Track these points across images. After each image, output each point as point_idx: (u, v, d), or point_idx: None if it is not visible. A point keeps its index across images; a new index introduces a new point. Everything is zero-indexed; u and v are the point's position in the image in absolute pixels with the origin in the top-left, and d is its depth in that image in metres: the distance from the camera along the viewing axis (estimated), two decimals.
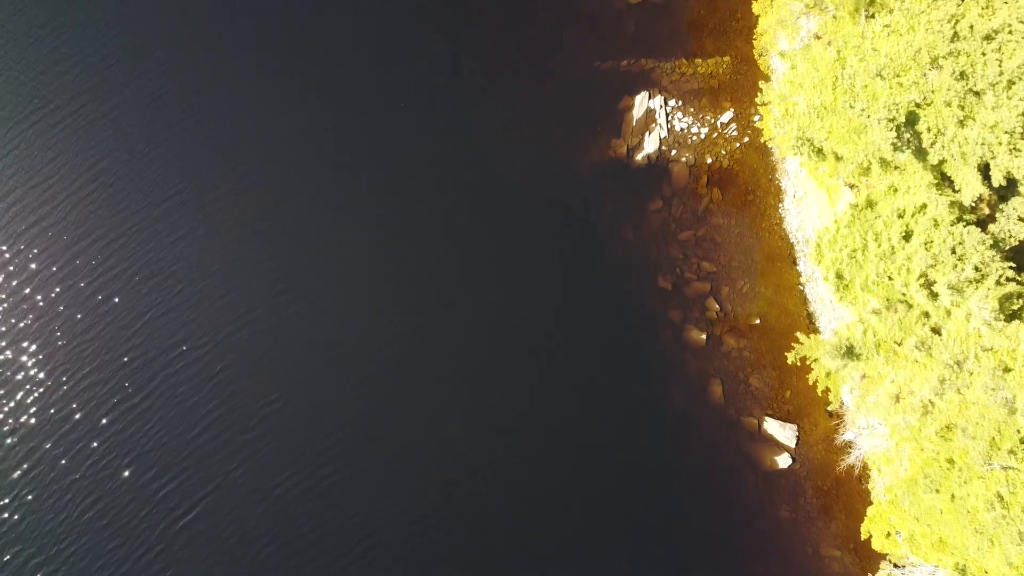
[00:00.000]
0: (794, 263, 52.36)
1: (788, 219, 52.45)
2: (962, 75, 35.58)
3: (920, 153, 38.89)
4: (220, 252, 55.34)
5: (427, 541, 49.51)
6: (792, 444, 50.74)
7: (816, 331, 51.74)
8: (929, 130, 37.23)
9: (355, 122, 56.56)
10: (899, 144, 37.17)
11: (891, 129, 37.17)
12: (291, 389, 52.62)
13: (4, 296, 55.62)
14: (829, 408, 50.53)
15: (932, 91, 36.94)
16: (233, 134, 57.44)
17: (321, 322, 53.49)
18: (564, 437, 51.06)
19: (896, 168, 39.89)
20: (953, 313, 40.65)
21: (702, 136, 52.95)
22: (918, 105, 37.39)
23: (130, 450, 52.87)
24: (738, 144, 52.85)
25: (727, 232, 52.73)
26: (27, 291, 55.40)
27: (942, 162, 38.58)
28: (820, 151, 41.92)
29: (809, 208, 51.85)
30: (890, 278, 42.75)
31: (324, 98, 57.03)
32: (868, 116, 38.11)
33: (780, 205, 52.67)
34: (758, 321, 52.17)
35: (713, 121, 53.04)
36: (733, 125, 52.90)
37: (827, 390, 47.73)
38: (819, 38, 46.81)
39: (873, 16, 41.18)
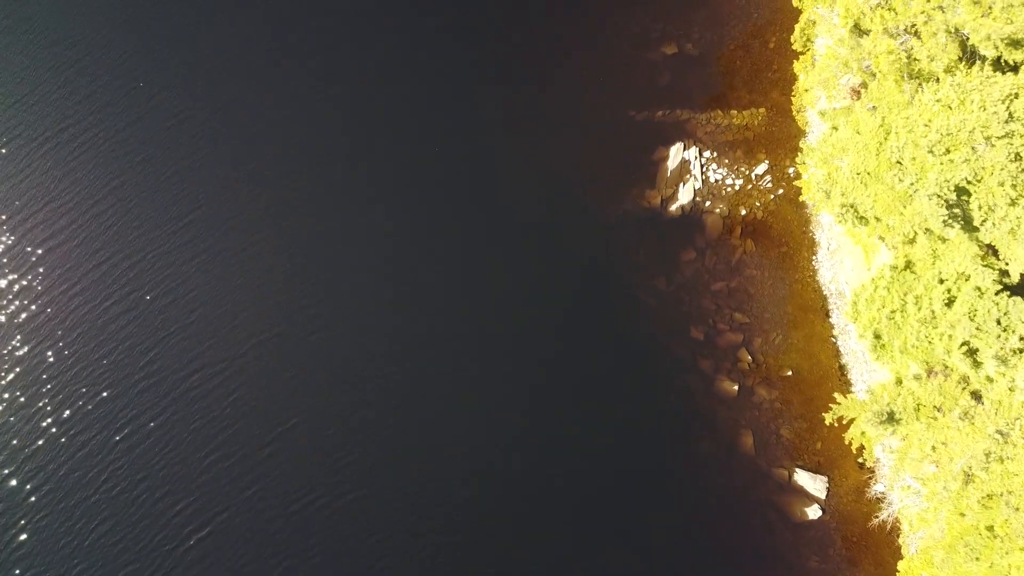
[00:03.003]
0: (827, 315, 52.53)
1: (821, 271, 52.61)
2: (1017, 156, 35.68)
3: (968, 226, 39.00)
4: (236, 273, 55.49)
5: (447, 561, 49.38)
6: (822, 495, 50.95)
7: (848, 383, 51.97)
8: (980, 208, 37.33)
9: (386, 159, 56.54)
10: (949, 221, 37.27)
11: (941, 206, 37.26)
12: (306, 410, 52.70)
13: (19, 316, 55.66)
14: (860, 460, 50.79)
15: (983, 168, 37.03)
16: (252, 155, 57.64)
17: (338, 345, 53.65)
18: (594, 486, 51.20)
19: (942, 239, 39.99)
20: (996, 381, 40.83)
21: (736, 187, 53.01)
22: (968, 182, 37.47)
23: (143, 471, 52.92)
24: (772, 196, 52.94)
25: (760, 283, 52.84)
26: (42, 312, 55.53)
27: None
28: (863, 218, 41.98)
29: (843, 261, 51.98)
30: (930, 343, 42.89)
31: (353, 128, 56.95)
32: (917, 191, 38.19)
33: (814, 257, 52.81)
34: (790, 373, 52.33)
35: (748, 173, 53.09)
36: (768, 177, 52.98)
37: (861, 447, 47.95)
38: (858, 94, 46.86)
39: (919, 83, 41.20)
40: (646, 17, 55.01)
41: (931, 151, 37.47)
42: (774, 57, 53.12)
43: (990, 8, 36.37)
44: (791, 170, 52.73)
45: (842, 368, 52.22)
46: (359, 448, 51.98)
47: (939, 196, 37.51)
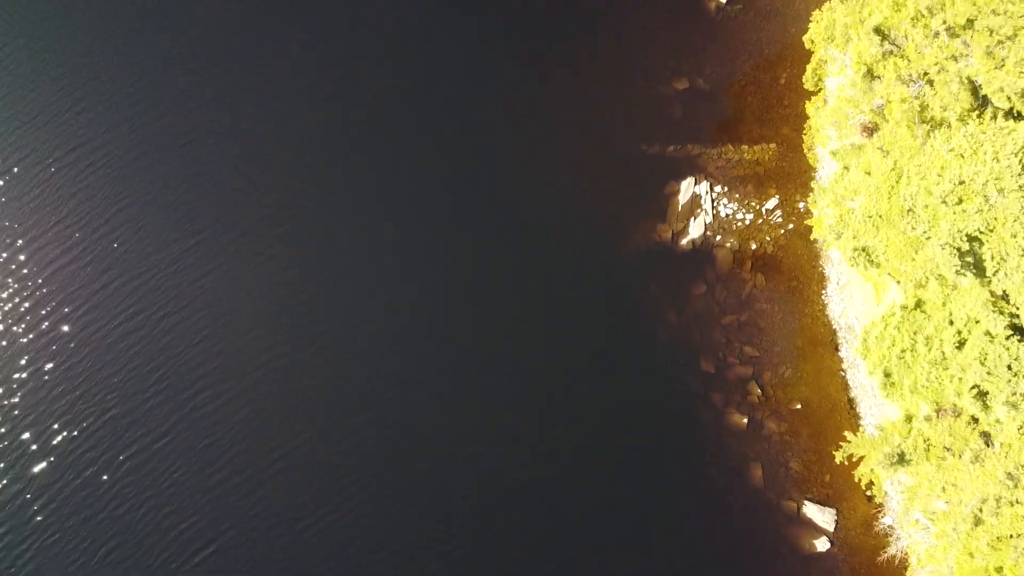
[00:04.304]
0: (836, 349, 52.93)
1: (831, 306, 53.01)
2: None
3: (980, 272, 39.40)
4: (244, 292, 55.82)
5: None
6: (831, 528, 51.38)
7: (857, 416, 52.42)
8: (992, 258, 37.72)
9: (398, 191, 56.74)
10: (961, 270, 37.68)
11: (954, 255, 37.67)
12: (313, 428, 53.13)
13: (29, 335, 55.96)
14: (869, 494, 51.19)
15: (995, 219, 37.43)
16: (261, 175, 57.82)
17: (346, 364, 54.05)
18: (603, 518, 51.61)
19: (954, 285, 40.40)
20: (1006, 424, 41.25)
21: (747, 222, 53.40)
22: (980, 232, 37.87)
23: (150, 489, 53.29)
24: (782, 230, 53.32)
25: (770, 317, 53.24)
26: (51, 331, 55.82)
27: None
28: (876, 263, 42.37)
29: (852, 296, 52.38)
30: (940, 384, 43.31)
31: (367, 157, 57.26)
32: (929, 238, 38.59)
33: (823, 291, 53.20)
34: (799, 406, 52.75)
35: (758, 207, 53.48)
36: (778, 212, 53.37)
37: (870, 482, 48.39)
38: (869, 132, 47.20)
39: (930, 128, 41.57)
40: (659, 52, 55.33)
41: (944, 201, 37.87)
42: (785, 93, 53.45)
43: (1003, 61, 36.75)
44: (801, 205, 53.14)
45: (851, 401, 52.63)
46: (366, 466, 52.50)
47: (951, 246, 37.91)
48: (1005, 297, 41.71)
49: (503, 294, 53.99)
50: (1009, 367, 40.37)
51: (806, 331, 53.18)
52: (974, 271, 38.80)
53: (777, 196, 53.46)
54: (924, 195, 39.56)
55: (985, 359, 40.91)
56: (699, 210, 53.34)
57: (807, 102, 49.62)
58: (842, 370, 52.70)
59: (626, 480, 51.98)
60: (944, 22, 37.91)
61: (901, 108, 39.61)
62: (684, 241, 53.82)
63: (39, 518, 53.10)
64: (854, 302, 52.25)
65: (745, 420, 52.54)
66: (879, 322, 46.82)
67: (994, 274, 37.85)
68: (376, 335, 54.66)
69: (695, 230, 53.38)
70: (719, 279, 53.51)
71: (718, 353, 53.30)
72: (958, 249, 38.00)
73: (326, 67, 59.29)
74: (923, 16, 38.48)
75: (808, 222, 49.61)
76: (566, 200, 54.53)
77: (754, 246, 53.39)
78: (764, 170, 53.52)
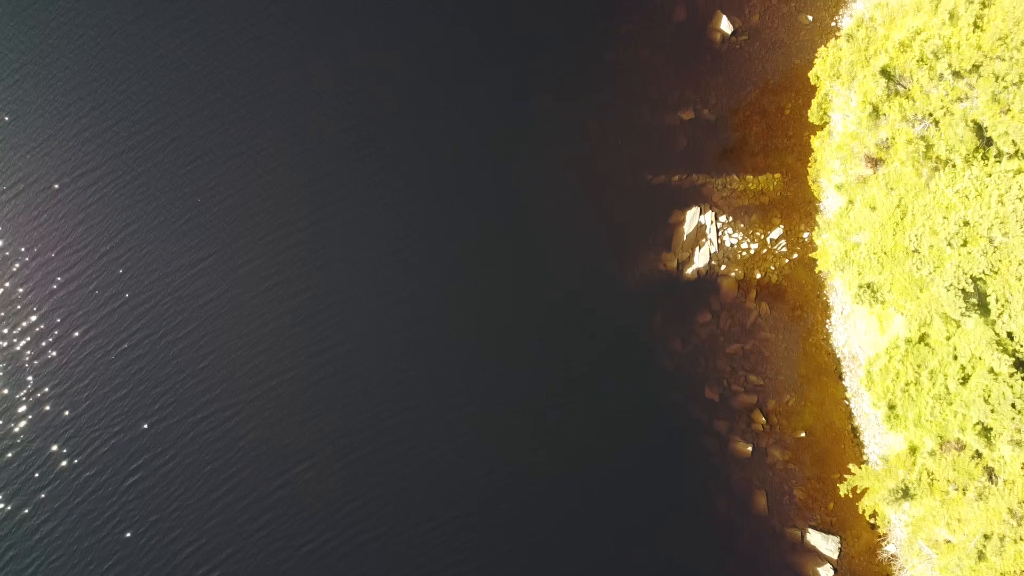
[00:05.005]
0: (840, 378, 53.25)
1: (835, 335, 53.33)
2: None
3: (984, 312, 39.73)
4: (248, 316, 56.10)
5: None
6: (835, 555, 51.74)
7: (860, 444, 52.74)
8: (997, 300, 38.05)
9: (406, 212, 56.98)
10: (967, 312, 38.01)
11: (959, 297, 37.99)
12: (318, 451, 53.52)
13: (34, 359, 56.27)
14: (872, 522, 51.56)
15: (1000, 261, 37.75)
16: (266, 200, 58.02)
17: (350, 387, 54.40)
18: (608, 544, 51.98)
19: (957, 324, 40.74)
20: (1010, 462, 41.59)
21: (752, 252, 53.71)
22: (985, 273, 38.20)
23: (155, 512, 53.79)
24: (787, 260, 53.64)
25: (775, 346, 53.57)
26: (57, 354, 56.14)
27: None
28: (881, 300, 42.67)
29: (856, 325, 52.70)
30: (944, 419, 43.64)
31: (374, 177, 57.47)
32: (934, 279, 38.92)
33: (827, 321, 53.53)
34: (803, 434, 53.08)
35: (763, 237, 53.79)
36: (783, 241, 53.68)
37: (875, 514, 48.74)
38: (874, 163, 47.46)
39: (935, 167, 41.86)
40: (665, 83, 55.55)
41: (949, 243, 38.19)
42: (790, 123, 53.73)
43: (1009, 106, 37.04)
44: (806, 235, 53.45)
45: (855, 430, 52.96)
46: (371, 489, 52.88)
47: (956, 287, 38.23)
48: (1010, 336, 42.02)
49: (508, 324, 54.31)
50: (1013, 405, 40.69)
51: (810, 360, 53.50)
52: (979, 311, 39.12)
53: (782, 226, 53.76)
54: (929, 235, 39.88)
55: (989, 397, 41.24)
56: (704, 239, 53.65)
57: (813, 136, 49.90)
58: (846, 398, 53.03)
59: (630, 506, 52.39)
60: (950, 66, 38.21)
61: (906, 149, 39.93)
62: (689, 270, 54.14)
63: (45, 541, 53.56)
64: (858, 331, 52.58)
65: (749, 448, 52.89)
66: (883, 354, 47.16)
67: (999, 316, 38.16)
68: (382, 361, 55.04)
69: (700, 259, 53.69)
70: (724, 308, 53.84)
71: (723, 381, 53.64)
72: (963, 291, 38.32)
73: (339, 91, 59.39)
74: (928, 60, 38.77)
75: (813, 255, 49.91)
76: (572, 229, 54.84)
77: (759, 275, 53.72)
78: (769, 200, 53.82)
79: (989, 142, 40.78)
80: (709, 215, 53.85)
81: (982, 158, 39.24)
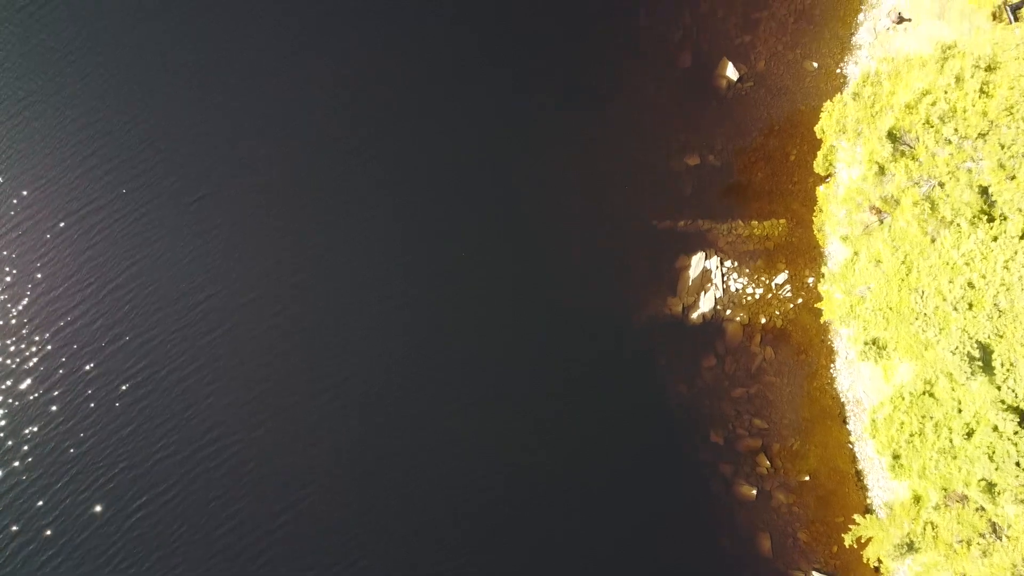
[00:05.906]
0: (844, 422, 53.62)
1: (839, 379, 53.66)
2: None
3: (989, 372, 40.04)
4: (251, 350, 56.43)
5: None
6: None
7: (864, 488, 53.12)
8: (1002, 364, 38.37)
9: (409, 247, 57.20)
10: (971, 376, 38.33)
11: (964, 360, 38.30)
12: (320, 483, 54.08)
13: (37, 394, 56.68)
14: (876, 567, 51.95)
15: (1005, 326, 38.06)
16: (272, 233, 58.20)
17: (354, 418, 54.76)
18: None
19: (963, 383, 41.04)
20: (1015, 521, 41.93)
21: (757, 296, 54.03)
22: (990, 337, 38.50)
23: (160, 548, 54.40)
24: (792, 305, 53.95)
25: (779, 390, 53.91)
26: (60, 390, 56.56)
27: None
28: (885, 355, 42.97)
29: (860, 370, 53.03)
30: (949, 472, 43.97)
31: (379, 207, 57.62)
32: (939, 341, 39.23)
33: (832, 365, 53.86)
34: (807, 477, 53.46)
35: (768, 282, 54.10)
36: (787, 286, 53.97)
37: (880, 561, 49.13)
38: (879, 212, 47.71)
39: (940, 225, 42.11)
40: (670, 128, 55.76)
41: (955, 308, 38.49)
42: (795, 169, 53.98)
43: (1015, 173, 37.31)
44: (810, 280, 53.75)
45: (859, 473, 53.34)
46: (373, 520, 53.38)
47: (961, 351, 38.53)
48: (1013, 392, 42.31)
49: (513, 369, 54.59)
50: (1018, 463, 41.04)
51: (815, 404, 53.87)
52: (983, 372, 39.42)
53: (787, 271, 54.06)
54: (935, 296, 40.16)
55: (993, 454, 41.58)
56: (709, 284, 53.95)
57: (818, 188, 50.16)
58: (850, 442, 53.41)
59: (636, 549, 52.74)
60: (956, 131, 38.48)
61: (912, 211, 40.19)
62: (694, 315, 54.45)
63: (47, 573, 53.80)
64: (862, 376, 52.92)
65: (754, 491, 53.26)
66: (887, 403, 47.46)
67: (1004, 381, 38.49)
68: (387, 395, 55.38)
69: (705, 304, 54.01)
70: (729, 352, 54.17)
71: (728, 425, 54.02)
72: (968, 354, 38.64)
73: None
74: (935, 124, 39.03)
75: (818, 305, 50.22)
76: (577, 273, 55.12)
77: (763, 320, 54.04)
78: (774, 245, 54.10)
79: (994, 204, 41.06)
80: (714, 260, 54.16)
81: (987, 220, 39.51)
